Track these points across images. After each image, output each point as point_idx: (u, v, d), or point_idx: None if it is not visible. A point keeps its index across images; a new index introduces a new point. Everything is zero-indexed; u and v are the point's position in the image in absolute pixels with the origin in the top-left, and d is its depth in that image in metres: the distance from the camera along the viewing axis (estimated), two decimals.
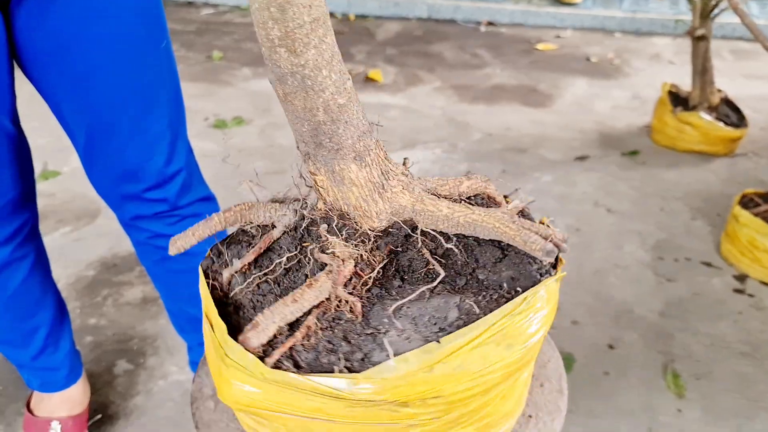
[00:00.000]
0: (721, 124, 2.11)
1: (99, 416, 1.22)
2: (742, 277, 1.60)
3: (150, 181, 0.93)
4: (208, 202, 1.02)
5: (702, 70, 2.11)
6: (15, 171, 0.88)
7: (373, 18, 3.77)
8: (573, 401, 1.26)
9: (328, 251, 0.51)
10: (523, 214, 0.58)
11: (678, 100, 2.22)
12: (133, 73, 0.85)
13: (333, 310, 0.48)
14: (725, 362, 1.35)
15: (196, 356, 1.15)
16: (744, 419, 1.22)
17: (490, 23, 3.56)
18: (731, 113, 2.20)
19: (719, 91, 2.20)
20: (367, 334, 0.46)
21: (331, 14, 3.83)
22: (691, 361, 1.36)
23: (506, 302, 0.48)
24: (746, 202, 1.64)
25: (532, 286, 0.49)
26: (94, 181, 0.94)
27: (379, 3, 3.73)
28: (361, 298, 0.48)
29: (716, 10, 2.01)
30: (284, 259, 0.53)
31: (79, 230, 1.78)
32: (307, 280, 0.50)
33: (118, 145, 0.88)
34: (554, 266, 0.53)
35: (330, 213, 0.53)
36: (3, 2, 0.76)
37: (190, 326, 1.11)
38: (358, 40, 3.37)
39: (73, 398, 1.15)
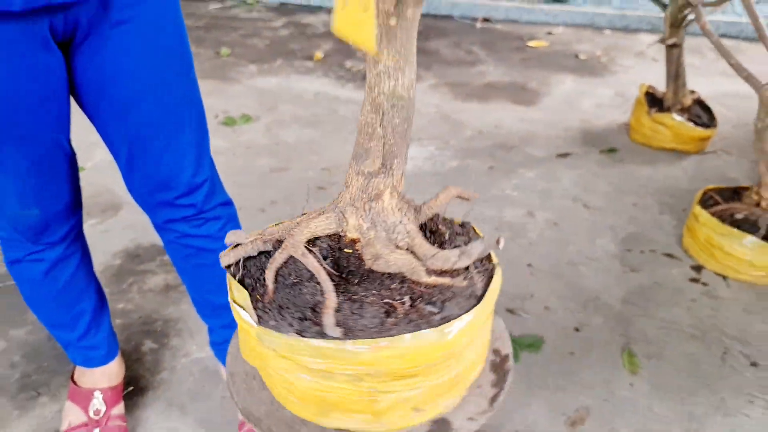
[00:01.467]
0: (692, 124, 2.28)
1: (131, 388, 1.42)
2: (698, 268, 1.79)
3: (180, 190, 1.11)
4: (227, 206, 1.21)
5: (675, 74, 2.27)
6: (69, 181, 1.06)
7: None
8: (541, 378, 1.45)
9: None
10: (462, 225, 0.75)
11: (654, 100, 2.39)
12: (167, 100, 1.03)
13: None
14: (676, 344, 1.54)
15: (217, 337, 1.34)
16: (687, 394, 1.41)
17: (485, 20, 3.71)
18: (702, 114, 2.37)
19: (692, 92, 2.37)
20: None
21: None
22: (646, 342, 1.55)
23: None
24: (706, 200, 1.82)
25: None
26: (133, 191, 1.13)
27: None
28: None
29: (687, 21, 2.18)
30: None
31: (105, 222, 1.97)
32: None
33: (154, 161, 1.06)
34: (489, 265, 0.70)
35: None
36: (64, 46, 0.94)
37: (211, 312, 1.30)
38: None
39: (111, 372, 1.35)
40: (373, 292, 0.64)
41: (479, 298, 0.65)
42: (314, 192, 2.13)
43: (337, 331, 0.59)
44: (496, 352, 0.79)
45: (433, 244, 0.70)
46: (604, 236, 1.92)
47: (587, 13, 3.55)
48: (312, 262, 0.65)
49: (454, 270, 0.66)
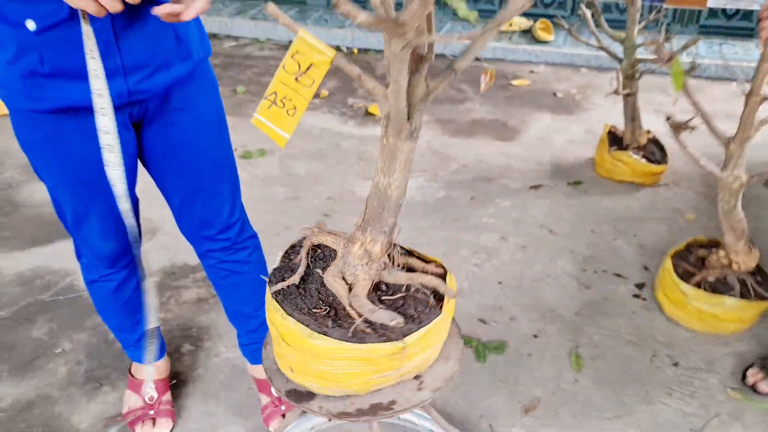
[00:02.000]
0: (645, 161, 2.65)
1: (175, 381, 1.77)
2: (641, 285, 2.14)
3: (219, 228, 1.47)
4: (253, 238, 1.57)
5: (632, 117, 2.64)
6: (136, 221, 1.42)
7: (374, 52, 4.31)
8: (503, 374, 1.80)
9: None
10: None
11: (615, 139, 2.76)
12: (211, 163, 1.39)
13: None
14: (615, 348, 1.90)
15: (244, 339, 1.69)
16: (619, 387, 1.76)
17: (476, 58, 4.09)
18: (656, 151, 2.74)
19: (647, 132, 2.74)
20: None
21: (337, 48, 4.37)
22: (591, 346, 1.90)
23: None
24: (676, 264, 2.06)
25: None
26: (182, 228, 1.49)
27: (379, 38, 4.27)
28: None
29: (639, 74, 2.55)
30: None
31: (144, 245, 2.33)
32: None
33: (199, 207, 1.43)
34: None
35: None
36: (136, 125, 1.30)
37: (240, 319, 1.66)
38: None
39: (161, 367, 1.71)
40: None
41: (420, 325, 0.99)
42: (322, 219, 2.49)
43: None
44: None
45: (383, 295, 1.04)
46: (565, 258, 2.28)
47: (566, 53, 3.94)
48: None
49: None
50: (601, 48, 2.63)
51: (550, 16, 4.39)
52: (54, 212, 2.48)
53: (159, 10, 1.04)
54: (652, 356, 1.87)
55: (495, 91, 3.67)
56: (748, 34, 4.12)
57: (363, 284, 1.01)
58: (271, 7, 0.80)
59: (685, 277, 1.96)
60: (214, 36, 4.55)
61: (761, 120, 1.58)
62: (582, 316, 2.02)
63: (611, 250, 2.33)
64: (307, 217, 2.50)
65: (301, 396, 1.04)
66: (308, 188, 2.71)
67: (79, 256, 1.47)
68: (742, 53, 3.91)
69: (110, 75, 1.12)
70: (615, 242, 2.37)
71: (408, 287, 1.04)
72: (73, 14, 1.04)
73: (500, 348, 1.89)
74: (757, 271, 1.95)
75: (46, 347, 1.89)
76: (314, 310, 1.00)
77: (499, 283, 2.15)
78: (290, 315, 0.98)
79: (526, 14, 4.45)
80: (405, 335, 0.95)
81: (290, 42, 4.46)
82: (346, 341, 0.93)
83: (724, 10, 4.12)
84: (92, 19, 1.05)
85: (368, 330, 0.95)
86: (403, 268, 1.07)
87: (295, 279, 1.04)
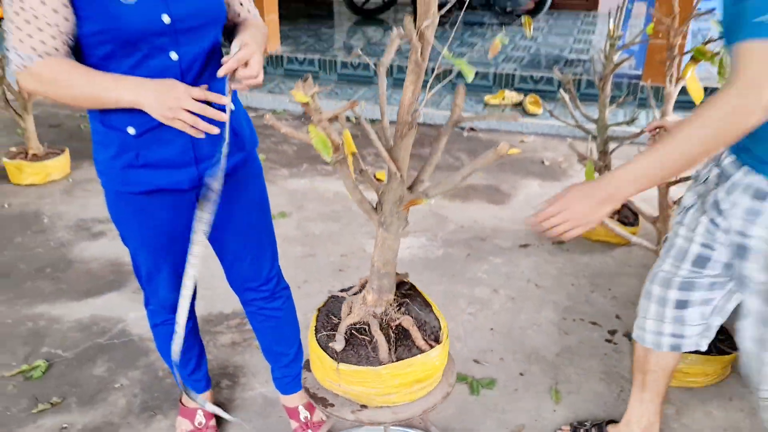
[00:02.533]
0: (619, 224, 3.03)
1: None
2: (612, 332, 2.49)
3: (260, 282, 1.84)
4: (286, 290, 1.93)
5: None
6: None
7: (379, 122, 4.77)
8: (493, 405, 2.14)
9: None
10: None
11: None
12: (256, 231, 1.77)
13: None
14: (589, 384, 2.24)
15: (277, 373, 2.03)
16: (592, 416, 2.10)
17: (471, 129, 4.54)
18: (630, 214, 3.12)
19: None
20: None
21: (347, 119, 4.83)
22: (568, 383, 2.24)
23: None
24: None
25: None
26: (230, 280, 1.85)
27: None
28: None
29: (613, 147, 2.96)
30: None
31: None
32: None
33: (246, 265, 1.79)
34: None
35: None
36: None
37: (274, 356, 2.00)
38: (368, 143, 4.33)
39: (207, 397, 2.05)
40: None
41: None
42: (336, 273, 2.86)
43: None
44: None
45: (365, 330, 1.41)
46: (548, 308, 2.63)
47: (553, 125, 4.38)
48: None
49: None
50: (578, 126, 3.05)
51: (539, 91, 4.87)
52: (103, 267, 2.88)
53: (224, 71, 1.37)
54: (620, 391, 2.20)
55: None
56: None
57: (352, 317, 1.39)
58: (271, 119, 1.16)
59: None
60: None
61: (675, 200, 1.98)
62: (561, 358, 2.36)
63: (588, 301, 2.69)
64: (323, 272, 2.87)
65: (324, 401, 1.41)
66: (323, 246, 3.08)
67: (147, 304, 1.84)
68: None
69: (186, 165, 1.51)
70: (592, 294, 2.73)
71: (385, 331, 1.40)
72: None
73: (491, 384, 2.23)
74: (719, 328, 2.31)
75: (107, 383, 2.24)
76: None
77: (491, 329, 2.51)
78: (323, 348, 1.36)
79: (517, 89, 4.93)
80: (341, 361, 1.33)
81: (303, 113, 4.89)
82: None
83: None
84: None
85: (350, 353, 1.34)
86: (398, 324, 1.42)
87: (338, 347, 1.38)
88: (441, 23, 1.26)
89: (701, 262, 1.56)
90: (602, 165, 2.99)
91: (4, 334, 2.47)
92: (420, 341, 1.37)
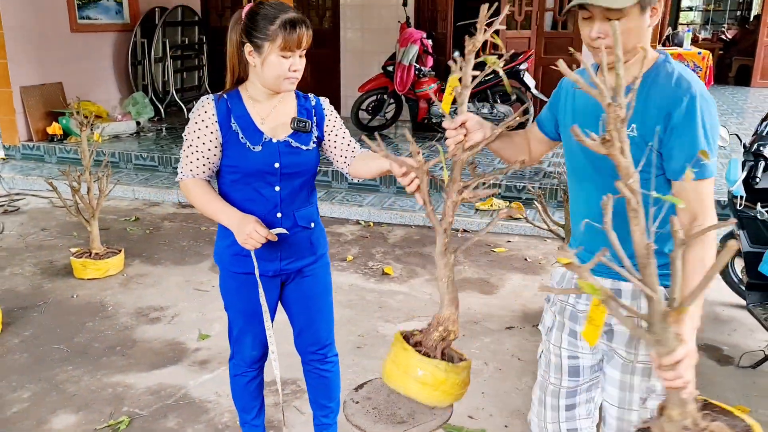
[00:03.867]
0: None
1: None
2: None
3: (319, 346, 2.46)
4: (336, 356, 2.54)
5: None
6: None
7: (386, 225, 5.52)
8: None
9: None
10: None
11: None
12: (322, 308, 2.42)
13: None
14: None
15: (318, 422, 2.61)
16: None
17: (464, 230, 5.28)
18: None
19: None
20: None
21: (356, 222, 5.59)
22: None
23: None
24: None
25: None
26: (297, 344, 2.48)
27: (390, 214, 5.50)
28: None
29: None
30: None
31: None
32: None
33: (311, 333, 2.41)
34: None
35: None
36: (282, 283, 2.35)
37: (320, 407, 2.59)
38: (376, 243, 5.07)
39: None
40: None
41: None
42: (355, 350, 3.49)
43: None
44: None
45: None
46: (528, 376, 3.25)
47: (534, 228, 5.12)
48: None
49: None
50: (549, 230, 3.78)
51: (521, 199, 5.66)
52: (163, 346, 3.52)
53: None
54: None
55: (479, 256, 4.81)
56: None
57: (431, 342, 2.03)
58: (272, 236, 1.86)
59: None
60: (191, 206, 5.79)
61: None
62: None
63: None
64: (344, 348, 3.49)
65: None
66: (343, 328, 3.73)
67: (231, 358, 2.46)
68: None
69: (273, 260, 2.20)
70: None
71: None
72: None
73: None
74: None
75: None
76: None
77: (482, 392, 3.12)
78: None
79: (503, 197, 5.73)
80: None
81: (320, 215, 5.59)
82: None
83: None
84: (280, 236, 2.15)
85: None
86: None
87: None
88: (438, 138, 1.92)
89: (575, 372, 1.84)
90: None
91: (90, 398, 3.07)
92: None
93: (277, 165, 2.09)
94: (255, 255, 2.12)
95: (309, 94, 2.25)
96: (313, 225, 2.21)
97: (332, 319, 2.47)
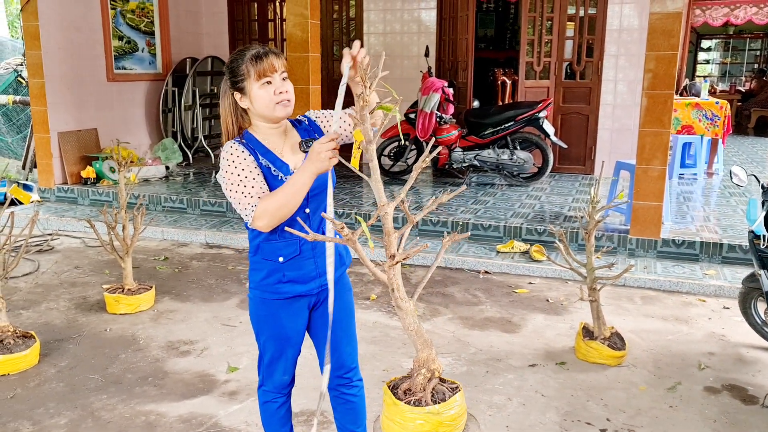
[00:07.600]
0: (609, 348, 3.73)
1: None
2: (603, 430, 3.12)
3: (345, 370, 2.54)
4: (361, 381, 2.62)
5: (597, 317, 3.79)
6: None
7: (408, 266, 5.62)
8: None
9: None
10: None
11: (588, 331, 3.87)
12: (347, 330, 2.53)
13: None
14: None
15: None
16: None
17: (486, 272, 5.36)
18: (618, 341, 3.83)
19: (611, 328, 3.86)
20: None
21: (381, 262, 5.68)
22: None
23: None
24: None
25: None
26: (322, 369, 2.58)
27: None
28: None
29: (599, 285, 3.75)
30: None
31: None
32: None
33: (337, 357, 2.52)
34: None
35: None
36: (311, 310, 2.46)
37: None
38: None
39: None
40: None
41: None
42: (378, 383, 3.55)
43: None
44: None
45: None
46: (551, 412, 3.28)
47: (556, 269, 5.20)
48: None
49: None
50: (571, 269, 3.86)
51: (542, 242, 5.74)
52: (193, 377, 3.62)
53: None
54: None
55: (502, 297, 4.88)
56: (694, 258, 5.40)
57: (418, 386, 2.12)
58: (326, 217, 2.00)
59: None
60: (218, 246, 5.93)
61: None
62: None
63: (584, 407, 3.34)
64: (369, 382, 3.56)
65: None
66: (368, 363, 3.79)
67: (261, 385, 2.55)
68: (689, 272, 5.16)
69: (314, 278, 2.32)
70: (587, 403, 3.38)
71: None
72: (301, 251, 2.27)
73: None
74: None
75: None
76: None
77: (506, 426, 3.15)
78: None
79: (524, 240, 5.81)
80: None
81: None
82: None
83: (674, 240, 5.45)
84: (313, 255, 2.28)
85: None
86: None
87: None
88: (458, 183, 2.06)
89: None
90: (591, 300, 3.75)
91: (125, 425, 3.16)
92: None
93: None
94: (296, 279, 2.25)
95: (299, 117, 2.42)
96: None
97: (356, 344, 2.57)
